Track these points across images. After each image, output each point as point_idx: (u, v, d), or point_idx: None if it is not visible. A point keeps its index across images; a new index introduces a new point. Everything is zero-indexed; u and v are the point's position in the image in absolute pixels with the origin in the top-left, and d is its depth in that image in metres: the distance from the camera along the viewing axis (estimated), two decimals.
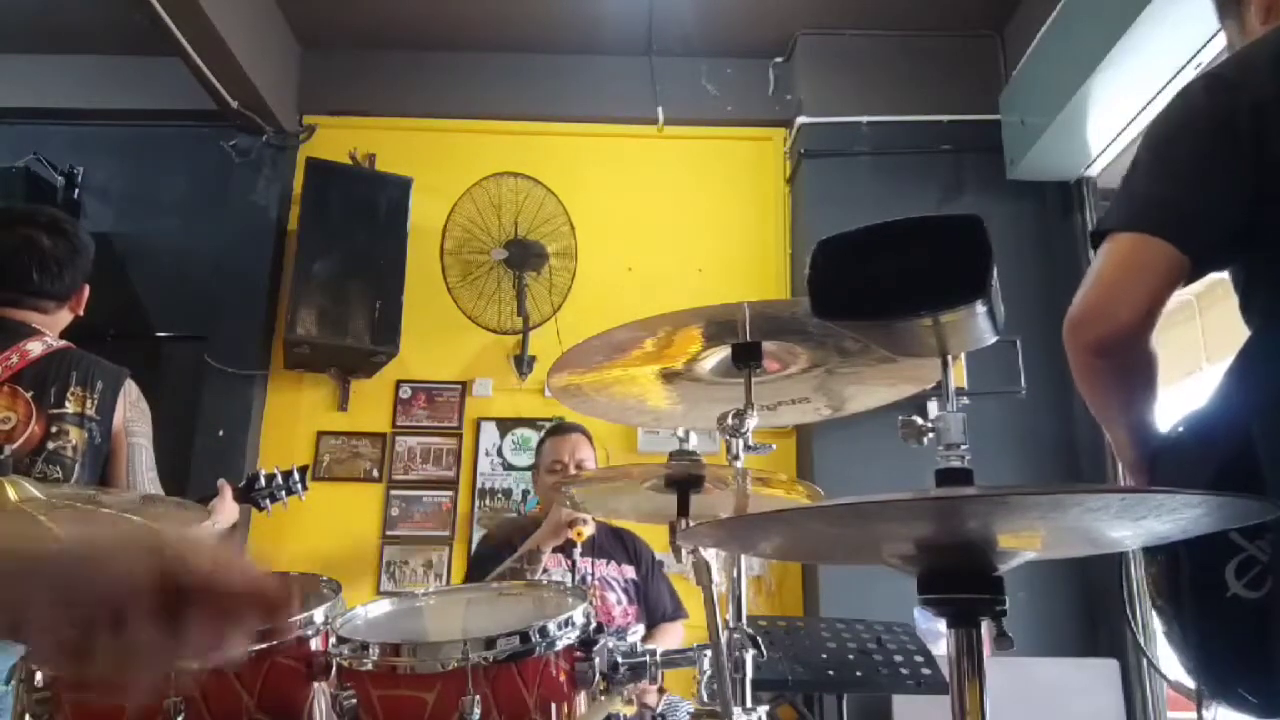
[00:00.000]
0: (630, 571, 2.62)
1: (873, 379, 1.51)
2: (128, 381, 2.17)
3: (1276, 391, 1.12)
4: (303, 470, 2.59)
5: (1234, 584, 1.10)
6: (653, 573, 2.68)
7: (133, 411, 2.15)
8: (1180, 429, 1.26)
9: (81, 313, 2.25)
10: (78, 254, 2.17)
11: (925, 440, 0.98)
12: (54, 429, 2.01)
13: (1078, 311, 1.22)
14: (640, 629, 1.63)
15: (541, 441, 2.80)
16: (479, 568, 2.56)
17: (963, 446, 0.94)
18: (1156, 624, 1.25)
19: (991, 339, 0.97)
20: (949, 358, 0.99)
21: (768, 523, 0.94)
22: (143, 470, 2.13)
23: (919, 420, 0.98)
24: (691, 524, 1.35)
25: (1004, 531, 0.87)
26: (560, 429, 2.76)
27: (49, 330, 2.12)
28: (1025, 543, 0.90)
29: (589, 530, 2.24)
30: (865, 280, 0.95)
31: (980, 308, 0.90)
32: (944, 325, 0.94)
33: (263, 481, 2.51)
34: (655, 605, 2.62)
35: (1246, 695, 1.11)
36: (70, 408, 2.03)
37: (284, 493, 2.54)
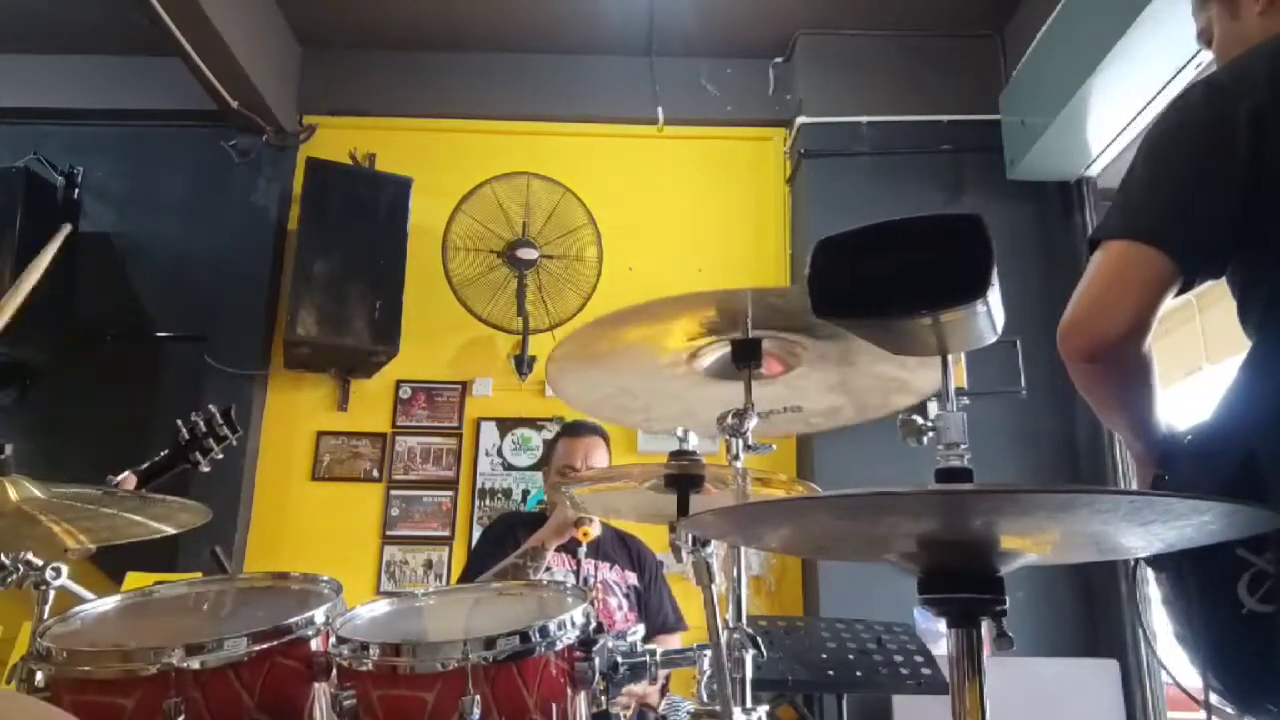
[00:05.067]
0: (633, 578, 2.56)
1: None
2: None
3: (1276, 406, 1.12)
4: (225, 412, 2.43)
5: (1248, 600, 1.09)
6: (655, 581, 2.60)
7: None
8: (1188, 439, 1.25)
9: None
10: None
11: (925, 439, 0.98)
12: None
13: (1068, 319, 1.21)
14: (640, 629, 1.63)
15: (555, 439, 2.64)
16: (478, 563, 2.48)
17: (962, 446, 0.94)
18: (1166, 629, 1.24)
19: (992, 339, 0.97)
20: (949, 357, 0.99)
21: (775, 514, 0.94)
22: None
23: (918, 419, 0.98)
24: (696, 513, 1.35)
25: (1008, 530, 0.86)
26: (576, 429, 2.57)
27: None
28: (1033, 546, 0.90)
29: (595, 531, 2.19)
30: (865, 280, 0.94)
31: (980, 307, 0.90)
32: (944, 325, 0.93)
33: (186, 435, 2.37)
34: (656, 614, 2.54)
35: (1274, 710, 1.11)
36: None
37: (212, 441, 2.38)
